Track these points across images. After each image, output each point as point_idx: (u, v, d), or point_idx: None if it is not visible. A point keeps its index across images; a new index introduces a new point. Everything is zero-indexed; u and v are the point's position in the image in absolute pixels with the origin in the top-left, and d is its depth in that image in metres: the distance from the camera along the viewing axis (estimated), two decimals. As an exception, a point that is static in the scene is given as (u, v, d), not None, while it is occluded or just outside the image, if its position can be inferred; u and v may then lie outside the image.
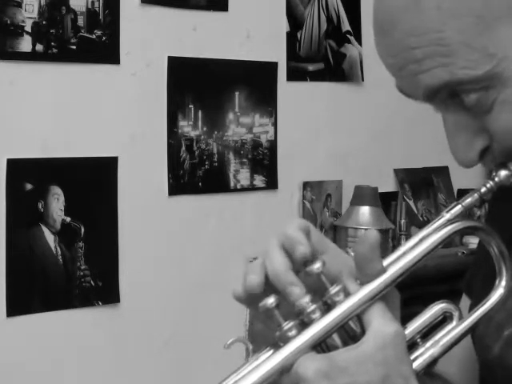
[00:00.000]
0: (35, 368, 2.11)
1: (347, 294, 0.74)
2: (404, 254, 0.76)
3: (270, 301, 0.74)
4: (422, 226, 0.83)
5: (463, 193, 0.81)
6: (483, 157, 0.80)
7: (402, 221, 2.66)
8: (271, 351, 0.74)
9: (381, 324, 0.72)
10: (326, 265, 0.75)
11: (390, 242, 2.53)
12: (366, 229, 2.47)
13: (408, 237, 2.54)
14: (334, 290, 0.74)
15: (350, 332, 0.75)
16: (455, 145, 0.80)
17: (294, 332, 0.73)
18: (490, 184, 0.79)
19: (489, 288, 0.80)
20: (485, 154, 0.80)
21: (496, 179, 0.79)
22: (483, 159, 0.80)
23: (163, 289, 2.30)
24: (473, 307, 0.90)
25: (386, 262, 0.76)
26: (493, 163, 0.80)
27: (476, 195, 0.79)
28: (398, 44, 0.75)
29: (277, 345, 0.74)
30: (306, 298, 0.74)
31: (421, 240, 0.77)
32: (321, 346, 0.74)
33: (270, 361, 0.73)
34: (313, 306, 0.74)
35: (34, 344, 2.11)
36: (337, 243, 2.54)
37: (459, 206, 0.78)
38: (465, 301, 0.99)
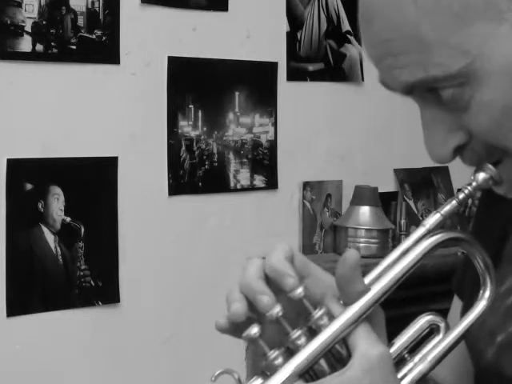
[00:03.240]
0: (35, 368, 2.11)
1: (331, 318, 0.73)
2: (386, 269, 0.75)
3: (254, 331, 0.72)
4: (421, 226, 0.81)
5: (463, 192, 0.78)
6: (458, 154, 0.78)
7: (402, 221, 2.66)
8: (259, 380, 0.73)
9: (366, 347, 0.71)
10: (308, 289, 0.73)
11: (390, 241, 2.53)
12: (366, 229, 2.47)
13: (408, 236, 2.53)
14: (317, 313, 0.73)
15: (336, 355, 0.73)
16: (429, 140, 0.78)
17: (280, 360, 0.72)
18: (468, 190, 0.77)
19: (479, 289, 0.78)
20: (460, 152, 0.78)
21: (474, 184, 0.77)
22: (462, 156, 0.78)
23: (163, 289, 2.30)
24: (464, 309, 0.90)
25: (368, 279, 0.75)
26: (474, 159, 0.78)
27: (454, 202, 0.77)
28: (378, 35, 0.75)
29: (264, 374, 0.73)
30: (277, 308, 0.72)
31: (402, 254, 0.75)
32: (308, 372, 0.72)
33: None
34: (298, 332, 0.72)
35: (34, 344, 2.11)
36: (337, 243, 2.55)
37: (438, 215, 0.76)
38: (456, 300, 0.98)
